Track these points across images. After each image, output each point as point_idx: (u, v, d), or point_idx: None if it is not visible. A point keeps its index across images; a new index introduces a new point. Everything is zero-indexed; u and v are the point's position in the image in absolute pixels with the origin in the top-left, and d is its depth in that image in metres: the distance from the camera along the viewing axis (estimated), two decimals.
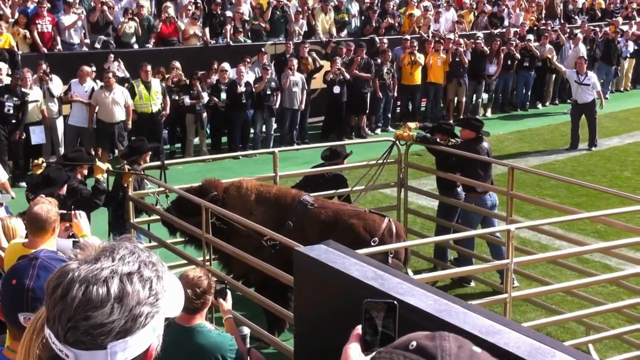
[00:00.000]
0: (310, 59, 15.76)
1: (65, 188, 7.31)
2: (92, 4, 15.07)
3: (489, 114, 18.29)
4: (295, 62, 15.07)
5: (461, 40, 17.80)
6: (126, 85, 13.44)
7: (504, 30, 19.64)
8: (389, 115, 16.94)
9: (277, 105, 14.94)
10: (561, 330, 7.64)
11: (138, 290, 1.50)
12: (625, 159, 14.63)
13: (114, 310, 1.47)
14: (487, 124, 10.36)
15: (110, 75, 12.95)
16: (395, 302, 1.71)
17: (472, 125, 9.01)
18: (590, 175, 13.09)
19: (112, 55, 13.92)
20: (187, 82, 14.14)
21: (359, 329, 1.66)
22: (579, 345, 6.70)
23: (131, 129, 13.28)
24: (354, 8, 18.19)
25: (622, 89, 21.88)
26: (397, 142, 8.88)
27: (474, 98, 18.29)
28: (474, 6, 20.35)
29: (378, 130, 16.59)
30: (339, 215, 7.13)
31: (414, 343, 1.32)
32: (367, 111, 16.37)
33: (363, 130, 16.24)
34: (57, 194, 6.74)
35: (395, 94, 16.97)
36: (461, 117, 15.99)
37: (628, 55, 21.36)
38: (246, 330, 5.28)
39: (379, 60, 16.36)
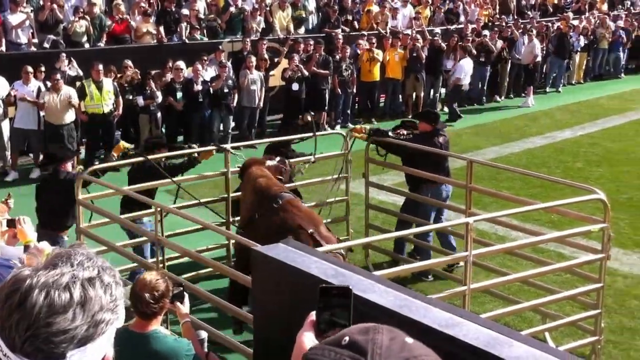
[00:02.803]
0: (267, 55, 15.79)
1: (69, 164, 8.07)
2: (41, 2, 14.66)
3: (446, 108, 18.49)
4: (253, 59, 15.02)
5: (418, 36, 17.95)
6: (78, 84, 13.20)
7: (461, 26, 19.86)
8: (349, 111, 16.98)
9: (234, 104, 14.89)
10: (519, 320, 7.77)
11: (100, 295, 1.47)
12: (577, 151, 14.93)
13: (77, 316, 1.43)
14: (444, 118, 10.50)
15: (58, 76, 12.60)
16: (350, 286, 1.68)
17: (428, 118, 9.12)
18: (544, 166, 13.31)
19: (64, 54, 13.62)
20: (140, 81, 13.88)
21: (313, 315, 1.63)
22: (535, 334, 6.81)
23: (83, 130, 13.01)
24: (311, 4, 18.21)
25: (574, 82, 22.30)
26: (348, 137, 8.96)
27: (432, 93, 18.47)
28: (430, 2, 20.52)
29: (338, 127, 16.58)
30: (285, 223, 6.99)
31: (347, 338, 1.33)
32: (326, 108, 16.41)
33: (322, 127, 16.26)
34: (63, 170, 7.91)
35: (354, 90, 17.05)
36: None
37: (579, 49, 21.78)
38: (204, 334, 5.20)
39: (337, 57, 16.42)
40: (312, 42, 16.33)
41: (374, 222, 9.55)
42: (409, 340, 1.34)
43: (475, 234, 7.40)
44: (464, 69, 17.63)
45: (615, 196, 11.60)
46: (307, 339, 1.58)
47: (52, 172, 8.29)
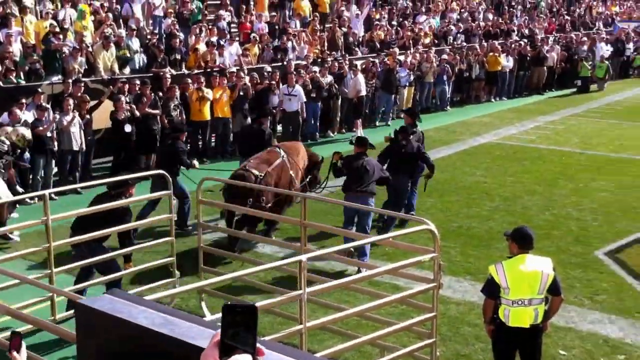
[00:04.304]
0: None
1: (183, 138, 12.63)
2: None
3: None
4: (71, 102, 14.30)
5: (242, 74, 17.95)
6: None
7: (287, 63, 20.12)
8: None
9: (56, 148, 14.13)
10: (358, 355, 7.75)
11: None
12: None
13: None
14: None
15: None
16: (255, 304, 1.66)
17: (361, 144, 11.08)
18: (378, 199, 13.59)
19: None
20: None
21: (218, 335, 1.62)
22: None
23: None
24: (135, 44, 17.76)
25: (402, 115, 23.11)
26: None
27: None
28: (258, 39, 20.64)
29: None
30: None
31: None
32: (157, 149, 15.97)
33: (152, 168, 15.79)
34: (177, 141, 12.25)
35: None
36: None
37: (407, 84, 22.66)
38: None
39: (163, 97, 16.09)
40: (138, 82, 15.91)
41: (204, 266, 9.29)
42: None
43: (312, 270, 7.36)
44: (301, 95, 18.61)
45: (446, 225, 12.05)
46: (211, 358, 1.59)
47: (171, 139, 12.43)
